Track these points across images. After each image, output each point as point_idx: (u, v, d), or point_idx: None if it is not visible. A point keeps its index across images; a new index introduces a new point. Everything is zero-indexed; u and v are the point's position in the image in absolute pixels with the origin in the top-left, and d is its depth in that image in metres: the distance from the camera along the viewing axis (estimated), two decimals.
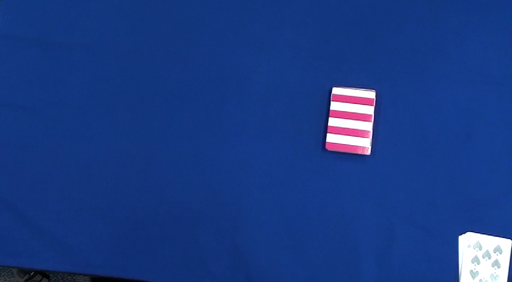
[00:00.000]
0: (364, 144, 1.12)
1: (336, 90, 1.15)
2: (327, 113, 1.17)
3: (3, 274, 1.80)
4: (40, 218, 1.18)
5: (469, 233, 1.09)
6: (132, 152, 1.19)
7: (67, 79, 1.24)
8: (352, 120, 1.13)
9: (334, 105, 1.14)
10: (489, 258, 1.07)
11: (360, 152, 1.12)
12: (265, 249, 1.13)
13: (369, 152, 1.12)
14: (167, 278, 1.14)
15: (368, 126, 1.13)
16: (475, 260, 1.07)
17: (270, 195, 1.15)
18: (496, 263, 1.07)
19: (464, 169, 1.11)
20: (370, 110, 1.13)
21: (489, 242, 1.08)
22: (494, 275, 1.06)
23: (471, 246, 1.08)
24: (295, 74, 1.19)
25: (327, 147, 1.13)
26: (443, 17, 1.18)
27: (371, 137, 1.13)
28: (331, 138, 1.13)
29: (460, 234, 1.09)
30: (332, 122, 1.14)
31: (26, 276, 1.39)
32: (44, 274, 1.47)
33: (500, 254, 1.07)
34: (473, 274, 1.07)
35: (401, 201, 1.12)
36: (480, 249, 1.08)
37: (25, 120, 1.23)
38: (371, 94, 1.14)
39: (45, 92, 1.24)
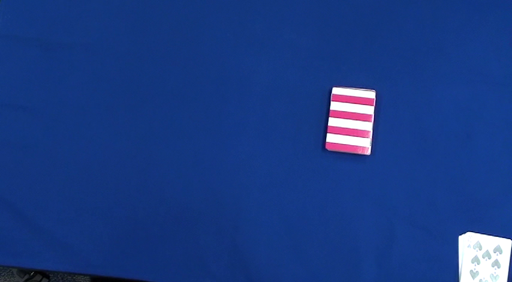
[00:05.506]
0: (364, 144, 1.12)
1: (336, 90, 1.15)
2: (327, 113, 1.17)
3: (3, 274, 1.80)
4: (40, 218, 1.18)
5: (469, 233, 1.09)
6: (132, 152, 1.19)
7: (67, 79, 1.24)
8: (352, 120, 1.13)
9: (334, 105, 1.14)
10: (489, 258, 1.07)
11: (360, 152, 1.12)
12: (265, 249, 1.13)
13: (369, 152, 1.12)
14: (167, 278, 1.14)
15: (368, 126, 1.13)
16: (475, 260, 1.07)
17: (270, 195, 1.15)
18: (496, 263, 1.07)
19: (464, 169, 1.11)
20: (370, 110, 1.13)
21: (489, 242, 1.08)
22: (494, 275, 1.06)
23: (471, 246, 1.08)
24: (295, 74, 1.19)
25: (327, 147, 1.13)
26: (443, 17, 1.18)
27: (371, 137, 1.13)
28: (331, 138, 1.13)
29: (460, 234, 1.09)
30: (332, 122, 1.14)
31: (26, 276, 1.39)
32: (44, 274, 1.47)
33: (500, 254, 1.07)
34: (473, 274, 1.07)
35: (401, 201, 1.12)
36: (480, 249, 1.08)
37: (25, 120, 1.23)
38: (371, 94, 1.14)
39: (45, 92, 1.24)
